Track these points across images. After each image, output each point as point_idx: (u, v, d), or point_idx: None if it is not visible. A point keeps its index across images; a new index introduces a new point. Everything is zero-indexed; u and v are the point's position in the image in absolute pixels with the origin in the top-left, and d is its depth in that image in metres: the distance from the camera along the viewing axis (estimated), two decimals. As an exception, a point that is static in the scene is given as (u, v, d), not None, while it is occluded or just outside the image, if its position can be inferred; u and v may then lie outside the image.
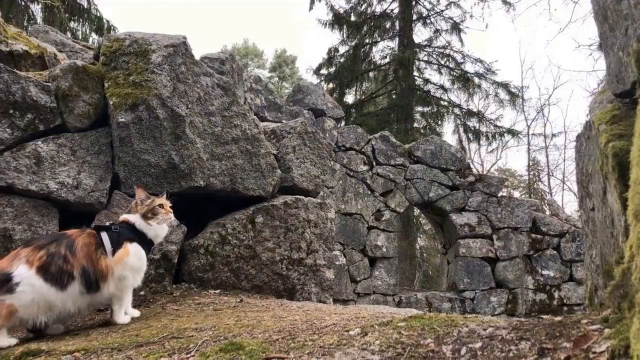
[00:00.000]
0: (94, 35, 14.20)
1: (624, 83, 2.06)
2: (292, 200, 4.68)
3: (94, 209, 3.96)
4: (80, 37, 13.34)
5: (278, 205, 4.59)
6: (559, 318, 2.12)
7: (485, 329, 2.04)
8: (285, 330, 2.45)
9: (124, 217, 3.33)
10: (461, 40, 18.90)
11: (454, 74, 18.91)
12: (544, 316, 2.31)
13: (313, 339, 2.16)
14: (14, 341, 2.84)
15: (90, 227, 3.23)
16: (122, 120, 3.92)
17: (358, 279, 10.33)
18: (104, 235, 3.12)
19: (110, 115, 4.02)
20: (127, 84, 4.00)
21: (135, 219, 3.28)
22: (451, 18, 19.01)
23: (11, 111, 3.74)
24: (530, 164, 26.98)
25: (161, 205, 3.36)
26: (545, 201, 19.56)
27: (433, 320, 2.23)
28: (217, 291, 4.14)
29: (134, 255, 3.16)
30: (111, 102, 3.96)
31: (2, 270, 2.82)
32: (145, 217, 3.29)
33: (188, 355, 2.13)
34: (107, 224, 3.26)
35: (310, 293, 4.63)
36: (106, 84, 4.04)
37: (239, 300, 3.87)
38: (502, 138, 19.06)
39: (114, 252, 3.09)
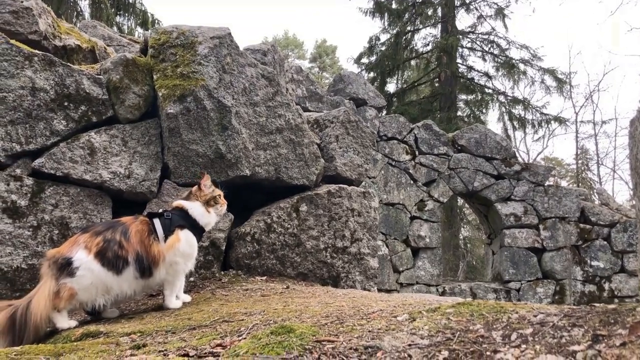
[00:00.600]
0: (139, 29, 14.54)
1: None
2: (336, 189, 4.71)
3: (145, 197, 4.08)
4: (126, 31, 13.68)
5: (322, 194, 4.63)
6: (612, 306, 2.08)
7: (535, 316, 2.02)
8: (333, 315, 2.48)
9: (178, 202, 3.40)
10: (505, 26, 18.49)
11: (499, 60, 18.49)
12: (597, 304, 2.27)
13: (361, 324, 2.18)
14: (73, 323, 2.98)
15: (143, 215, 3.34)
16: (171, 111, 4.01)
17: (401, 269, 10.31)
18: (157, 222, 3.21)
19: (160, 106, 4.13)
20: (175, 76, 4.10)
21: (189, 205, 3.35)
22: (495, 3, 18.59)
23: (66, 103, 3.89)
24: (579, 153, 26.21)
25: (220, 196, 3.47)
26: (595, 190, 19.00)
27: (482, 307, 2.22)
28: (264, 278, 4.21)
29: (184, 242, 3.24)
30: (160, 94, 4.06)
31: (63, 255, 2.95)
32: (207, 203, 3.38)
33: (240, 338, 2.19)
34: (160, 210, 3.36)
35: (355, 281, 4.66)
36: (155, 76, 4.14)
37: (285, 286, 3.93)
38: (549, 126, 18.59)
39: (165, 238, 3.18)
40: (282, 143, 4.52)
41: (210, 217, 3.42)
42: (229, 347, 2.08)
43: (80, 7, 14.33)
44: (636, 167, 3.11)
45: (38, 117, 3.77)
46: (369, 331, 2.04)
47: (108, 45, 5.55)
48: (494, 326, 1.96)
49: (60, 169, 3.81)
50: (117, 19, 14.87)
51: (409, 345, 1.84)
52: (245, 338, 2.16)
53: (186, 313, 2.95)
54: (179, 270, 3.26)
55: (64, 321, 2.94)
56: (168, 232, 3.20)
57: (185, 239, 3.25)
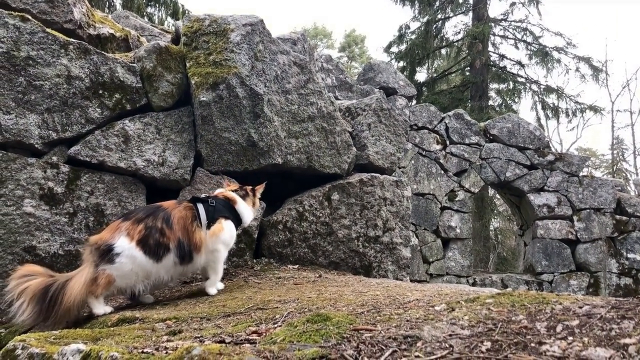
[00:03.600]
0: (169, 19, 14.61)
1: None
2: (368, 177, 4.66)
3: (179, 185, 4.10)
4: (156, 22, 13.78)
5: (354, 183, 4.58)
6: (662, 298, 2.00)
7: (581, 307, 1.95)
8: (369, 304, 2.45)
9: (226, 193, 3.52)
10: (539, 13, 18.05)
11: (532, 48, 18.07)
12: (644, 296, 2.18)
13: (398, 313, 2.14)
14: (109, 309, 3.02)
15: (187, 200, 3.42)
16: (204, 99, 4.01)
17: (431, 259, 10.21)
18: (201, 208, 3.28)
19: (192, 94, 4.13)
20: (208, 64, 4.09)
21: (239, 200, 3.53)
22: (530, -12, 18.14)
23: (100, 91, 3.92)
24: (614, 142, 25.55)
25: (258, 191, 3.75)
26: (631, 181, 18.50)
27: (523, 298, 2.16)
28: (296, 266, 4.20)
29: (227, 232, 3.35)
30: (193, 82, 4.06)
31: (105, 242, 2.99)
32: (253, 204, 3.68)
33: (275, 326, 2.18)
34: (203, 196, 3.42)
35: (387, 271, 4.62)
36: (188, 64, 4.15)
37: (317, 275, 3.91)
38: (583, 115, 18.12)
39: (208, 225, 3.25)
40: (314, 131, 4.48)
41: (252, 215, 3.64)
42: (264, 334, 2.06)
43: (112, -1, 14.48)
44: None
45: (74, 105, 3.81)
46: (407, 320, 2.00)
47: (140, 35, 5.58)
48: (538, 317, 1.89)
49: (96, 156, 3.85)
50: (148, 9, 14.98)
51: (450, 335, 1.80)
52: (280, 326, 2.14)
53: (220, 300, 2.95)
54: (220, 258, 3.34)
55: (100, 307, 2.98)
56: (211, 220, 3.27)
57: (228, 229, 3.35)
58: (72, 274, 2.97)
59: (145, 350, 1.88)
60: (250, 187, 3.69)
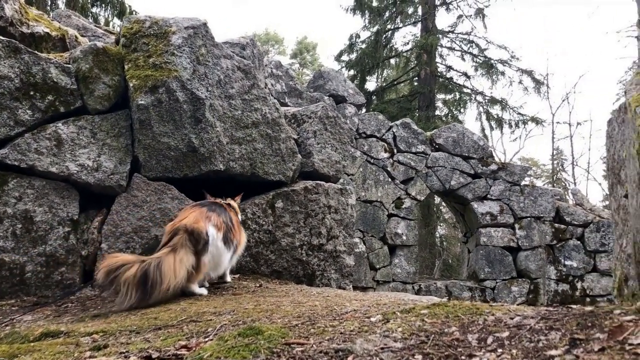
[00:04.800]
0: (115, 20, 14.23)
1: (665, 62, 1.95)
2: (313, 185, 4.62)
3: (114, 191, 3.95)
4: (102, 22, 13.39)
5: (298, 191, 4.54)
6: (589, 308, 2.04)
7: (512, 318, 1.96)
8: (305, 315, 2.40)
9: (232, 202, 3.85)
10: (485, 26, 18.64)
11: (478, 60, 18.60)
12: (574, 306, 2.23)
13: (333, 325, 2.11)
14: (205, 291, 3.43)
15: (224, 202, 3.75)
16: (142, 102, 3.88)
17: (377, 266, 10.27)
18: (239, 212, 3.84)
19: (130, 97, 3.99)
20: (147, 66, 3.96)
21: (237, 208, 3.88)
22: (476, 2, 18.68)
23: (32, 92, 3.74)
24: (554, 153, 26.54)
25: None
26: (570, 191, 19.23)
27: (457, 308, 2.16)
28: (236, 276, 4.11)
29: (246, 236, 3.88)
30: (131, 84, 3.92)
31: (201, 230, 3.26)
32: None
33: (206, 339, 2.10)
34: (229, 201, 3.82)
35: (330, 279, 4.59)
36: (126, 66, 4.01)
37: (258, 285, 3.84)
38: (526, 126, 18.77)
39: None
40: (258, 137, 4.41)
41: None
42: (194, 349, 1.98)
43: (54, -4, 13.98)
44: (613, 167, 3.09)
45: (1, 106, 3.62)
46: (341, 333, 1.96)
47: (82, 36, 5.37)
48: (470, 329, 1.89)
49: (25, 160, 3.66)
50: (93, 9, 14.55)
51: (382, 348, 1.77)
52: (211, 339, 2.07)
53: (152, 312, 2.84)
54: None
55: (201, 289, 3.40)
56: None
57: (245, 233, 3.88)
58: (160, 254, 3.14)
59: (61, 368, 1.77)
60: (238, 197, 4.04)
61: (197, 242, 3.23)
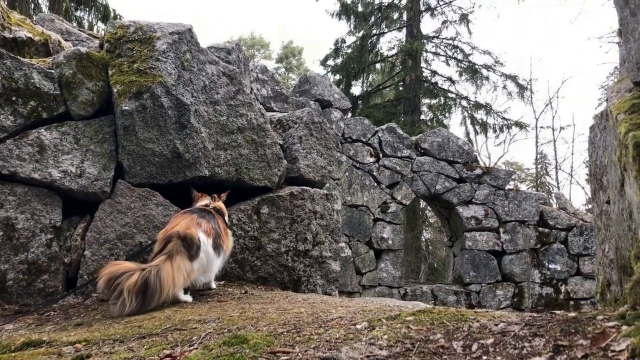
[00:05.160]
0: (100, 24, 14.11)
1: (645, 70, 1.98)
2: (298, 191, 4.62)
3: (98, 198, 3.91)
4: (86, 26, 13.28)
5: (284, 196, 4.53)
6: (573, 314, 2.05)
7: (496, 325, 1.97)
8: (291, 323, 2.39)
9: (220, 204, 3.85)
10: (470, 31, 18.79)
11: (462, 65, 18.75)
12: (557, 312, 2.24)
13: (319, 333, 2.10)
14: (190, 298, 3.42)
15: (212, 208, 3.73)
16: (126, 108, 3.85)
17: (363, 271, 10.29)
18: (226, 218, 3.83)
19: (114, 103, 3.96)
20: (132, 72, 3.94)
21: (225, 211, 3.90)
22: (460, 8, 18.85)
23: (14, 98, 3.69)
24: (538, 157, 26.80)
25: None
26: (553, 195, 19.44)
27: (442, 315, 2.17)
28: (222, 282, 4.09)
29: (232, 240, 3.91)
30: (115, 90, 3.89)
31: (193, 236, 3.30)
32: None
33: (191, 348, 2.08)
34: (212, 206, 3.78)
35: (316, 285, 4.58)
36: (110, 72, 3.97)
37: (243, 291, 3.82)
38: (510, 131, 18.94)
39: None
40: (244, 143, 4.40)
41: None
42: (178, 358, 1.96)
43: (37, 0, 13.84)
44: (595, 173, 3.13)
45: (-17, 112, 3.56)
46: (327, 341, 1.96)
47: (66, 40, 5.32)
48: (455, 336, 1.90)
49: (7, 166, 3.61)
50: (77, 13, 14.40)
51: (367, 356, 1.77)
52: (196, 348, 2.05)
53: (136, 320, 2.81)
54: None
55: (187, 296, 3.40)
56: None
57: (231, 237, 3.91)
58: (158, 262, 3.16)
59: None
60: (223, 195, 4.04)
61: (190, 247, 3.28)
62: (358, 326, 2.19)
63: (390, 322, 2.17)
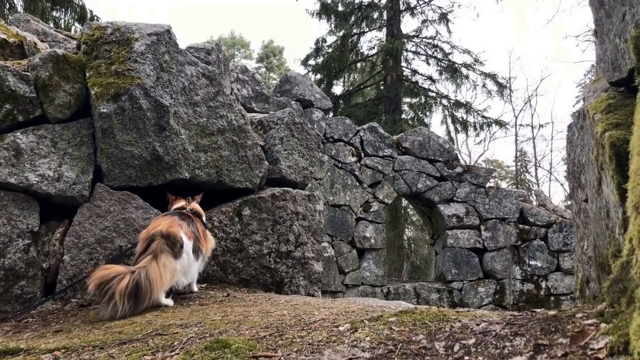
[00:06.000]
0: (76, 24, 13.92)
1: (621, 71, 2.01)
2: (280, 192, 4.60)
3: (76, 202, 3.85)
4: (62, 27, 13.09)
5: (265, 198, 4.51)
6: (552, 312, 2.08)
7: (478, 324, 1.98)
8: (273, 326, 2.38)
9: (196, 206, 3.87)
10: (449, 31, 18.87)
11: (442, 64, 18.86)
12: (538, 310, 2.26)
13: (301, 336, 2.10)
14: (171, 302, 3.36)
15: (190, 211, 3.75)
16: (104, 110, 3.80)
17: (346, 270, 10.30)
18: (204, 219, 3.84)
19: (92, 105, 3.90)
20: (109, 74, 3.89)
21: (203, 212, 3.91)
22: (440, 7, 18.95)
23: (-12, 101, 3.62)
24: (518, 155, 27.09)
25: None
26: (533, 192, 19.66)
27: (424, 315, 2.18)
28: (203, 285, 4.06)
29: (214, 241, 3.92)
30: (93, 92, 3.84)
31: (176, 235, 3.31)
32: None
33: (172, 354, 2.06)
34: (189, 208, 3.78)
35: (299, 286, 4.57)
36: (87, 74, 3.92)
37: (225, 294, 3.80)
38: (490, 129, 19.08)
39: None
40: (224, 145, 4.37)
41: None
42: (160, 364, 1.94)
43: (13, 0, 13.61)
44: (574, 171, 3.16)
45: (-44, 116, 3.49)
46: (309, 344, 1.95)
47: (42, 41, 5.23)
48: (437, 336, 1.91)
49: (-18, 171, 3.54)
50: (54, 13, 14.20)
51: (350, 359, 1.77)
52: (178, 354, 2.03)
53: (117, 325, 2.78)
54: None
55: (168, 300, 3.35)
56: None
57: (213, 239, 3.92)
58: (145, 263, 3.15)
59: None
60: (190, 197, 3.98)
61: (174, 245, 3.30)
62: (341, 328, 2.19)
63: (372, 324, 2.17)
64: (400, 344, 1.85)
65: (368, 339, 1.94)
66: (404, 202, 16.10)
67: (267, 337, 2.12)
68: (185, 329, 2.49)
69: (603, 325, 1.70)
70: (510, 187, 25.30)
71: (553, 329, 1.77)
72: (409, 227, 21.42)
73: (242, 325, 2.46)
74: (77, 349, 2.35)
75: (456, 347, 1.77)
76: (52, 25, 11.76)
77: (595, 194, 2.26)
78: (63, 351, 2.33)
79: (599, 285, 2.41)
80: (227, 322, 2.59)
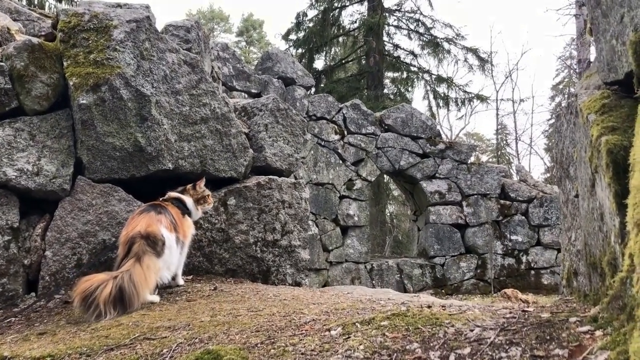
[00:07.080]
0: (51, 1, 13.49)
1: (617, 72, 1.97)
2: (266, 180, 4.54)
3: (57, 196, 3.75)
4: (36, 4, 12.66)
5: (251, 187, 4.45)
6: (546, 315, 2.08)
7: (472, 330, 1.98)
8: (264, 329, 2.36)
9: (175, 194, 3.76)
10: (431, 4, 18.83)
11: (424, 39, 18.73)
12: (530, 310, 2.27)
13: (294, 343, 2.07)
14: (157, 298, 3.35)
15: (167, 199, 3.69)
16: (84, 101, 3.68)
17: (330, 248, 10.34)
18: (188, 201, 3.76)
19: (71, 96, 3.78)
20: (88, 63, 3.75)
21: (186, 199, 3.77)
22: (421, -19, 18.71)
23: (-39, 94, 3.48)
24: (499, 129, 27.26)
25: (208, 196, 3.90)
26: (514, 167, 19.86)
27: (417, 319, 2.17)
28: (190, 277, 4.02)
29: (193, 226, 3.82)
30: (71, 83, 3.71)
31: (157, 234, 3.25)
32: (197, 202, 3.83)
33: (163, 364, 2.02)
34: (167, 196, 3.72)
35: (286, 274, 4.55)
36: (65, 63, 3.78)
37: (212, 287, 3.76)
38: (471, 103, 19.10)
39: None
40: (208, 134, 4.28)
41: (198, 213, 3.87)
42: (151, 377, 1.91)
43: (-19, -26, 13.08)
44: (562, 161, 3.16)
45: None
46: (302, 354, 1.93)
47: (15, 20, 5.03)
48: (431, 344, 1.90)
49: (-43, 167, 3.42)
50: (26, -12, 13.72)
51: (345, 372, 1.75)
52: (168, 365, 2.00)
53: (104, 328, 2.72)
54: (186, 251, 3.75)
55: (154, 297, 3.32)
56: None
57: (192, 224, 3.81)
58: (128, 267, 3.09)
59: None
60: (190, 185, 3.87)
61: (156, 244, 3.24)
62: (333, 332, 2.17)
63: (365, 328, 2.16)
64: (395, 354, 1.84)
65: (362, 347, 1.92)
66: (387, 177, 16.15)
67: (259, 345, 2.09)
68: (173, 333, 2.45)
69: (598, 332, 1.71)
70: (490, 160, 25.52)
71: (548, 337, 1.77)
72: (391, 202, 21.54)
73: (231, 328, 2.43)
74: (62, 357, 2.30)
75: (451, 357, 1.76)
76: (25, 2, 11.37)
77: (588, 193, 2.25)
78: (49, 359, 2.28)
79: (589, 282, 2.42)
80: (217, 323, 2.55)
